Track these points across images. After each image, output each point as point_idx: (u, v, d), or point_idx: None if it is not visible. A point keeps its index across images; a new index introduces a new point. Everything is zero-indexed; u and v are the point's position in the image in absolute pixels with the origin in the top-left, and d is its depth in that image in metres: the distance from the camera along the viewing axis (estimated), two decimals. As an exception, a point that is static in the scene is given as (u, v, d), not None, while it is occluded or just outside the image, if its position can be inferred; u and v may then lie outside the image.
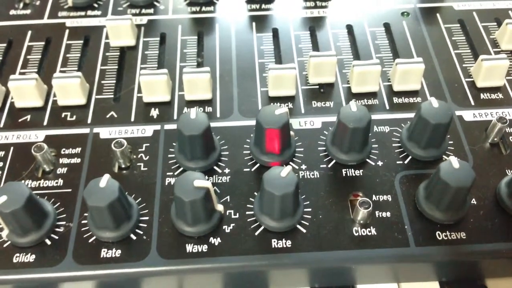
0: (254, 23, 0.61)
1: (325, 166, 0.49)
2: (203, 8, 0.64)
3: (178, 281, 0.45)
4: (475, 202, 0.46)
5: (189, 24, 0.62)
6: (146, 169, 0.49)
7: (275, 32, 0.60)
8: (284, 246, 0.44)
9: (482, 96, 0.54)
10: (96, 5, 0.64)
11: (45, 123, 0.52)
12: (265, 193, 0.43)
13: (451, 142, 0.50)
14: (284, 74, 0.53)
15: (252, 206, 0.46)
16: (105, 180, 0.42)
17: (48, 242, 0.44)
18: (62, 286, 0.44)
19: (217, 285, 0.46)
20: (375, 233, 0.45)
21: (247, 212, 0.46)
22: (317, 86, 0.55)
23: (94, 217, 0.44)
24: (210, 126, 0.46)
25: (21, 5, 0.65)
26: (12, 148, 0.50)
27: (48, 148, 0.48)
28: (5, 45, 0.59)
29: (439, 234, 0.44)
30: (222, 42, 0.59)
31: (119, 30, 0.58)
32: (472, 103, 0.53)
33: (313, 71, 0.55)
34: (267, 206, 0.44)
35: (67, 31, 0.61)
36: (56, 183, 0.48)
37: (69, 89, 0.53)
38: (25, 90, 0.53)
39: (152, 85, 0.53)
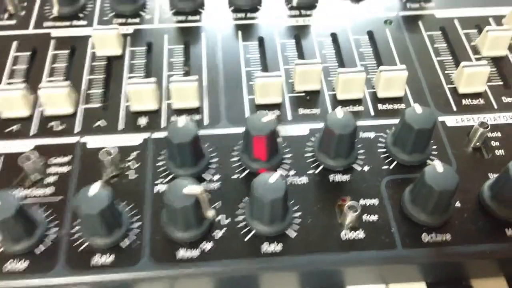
0: (240, 32, 0.62)
1: (312, 171, 0.50)
2: (189, 17, 0.64)
3: (170, 286, 0.45)
4: (459, 205, 0.47)
5: (176, 33, 0.62)
6: (136, 176, 0.49)
7: (261, 41, 0.61)
8: (275, 250, 0.45)
9: (464, 102, 0.55)
10: (81, 15, 0.64)
11: (32, 133, 0.52)
12: (254, 199, 0.43)
13: (435, 147, 0.51)
14: (270, 82, 0.54)
15: (242, 212, 0.46)
16: (96, 187, 0.43)
17: (40, 249, 0.44)
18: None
19: (208, 291, 0.46)
20: (363, 236, 0.46)
21: (237, 218, 0.46)
22: (303, 94, 0.56)
23: (85, 224, 0.44)
24: (198, 134, 0.47)
25: (6, 15, 0.64)
26: (1, 158, 0.50)
27: (36, 157, 0.48)
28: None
29: (425, 236, 0.45)
30: (208, 51, 0.60)
31: (106, 40, 0.58)
32: (454, 109, 0.55)
33: (299, 78, 0.55)
34: (257, 211, 0.44)
35: (52, 41, 0.61)
36: (46, 191, 0.48)
37: (57, 98, 0.53)
38: (12, 100, 0.53)
39: (140, 94, 0.53)
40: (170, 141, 0.46)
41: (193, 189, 0.43)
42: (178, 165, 0.48)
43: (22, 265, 0.44)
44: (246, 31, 0.63)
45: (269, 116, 0.47)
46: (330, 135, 0.48)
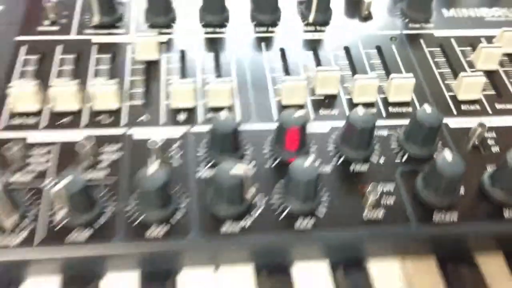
0: (263, 43, 0.70)
1: (335, 162, 0.57)
2: (216, 29, 0.72)
3: (213, 257, 0.51)
4: (462, 192, 0.55)
5: (205, 43, 0.69)
6: (179, 163, 0.55)
7: (282, 51, 0.69)
8: (306, 226, 0.51)
9: (462, 107, 0.64)
10: (118, 25, 0.71)
11: (83, 124, 0.58)
12: (291, 180, 0.50)
13: (440, 144, 0.59)
14: (296, 85, 0.61)
15: (277, 193, 0.53)
16: (154, 167, 0.49)
17: (99, 222, 0.50)
18: (112, 261, 0.50)
19: (247, 260, 0.52)
20: (382, 216, 0.53)
21: (272, 199, 0.53)
22: (323, 97, 0.64)
23: (143, 199, 0.50)
24: (238, 126, 0.54)
25: (48, 22, 0.71)
26: (56, 146, 0.56)
27: (91, 144, 0.54)
28: (37, 56, 0.65)
29: (435, 216, 0.53)
30: (237, 59, 0.67)
31: (146, 46, 0.65)
32: (455, 112, 0.63)
33: (320, 83, 0.63)
34: (292, 191, 0.51)
35: (94, 47, 0.68)
36: (101, 174, 0.54)
37: (105, 95, 0.59)
38: (64, 95, 0.59)
39: (180, 93, 0.60)
40: (215, 130, 0.53)
41: (239, 169, 0.49)
42: (219, 153, 0.55)
43: (84, 235, 0.49)
44: (268, 42, 0.70)
45: (301, 112, 0.54)
46: (352, 130, 0.55)
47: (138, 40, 0.66)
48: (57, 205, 0.49)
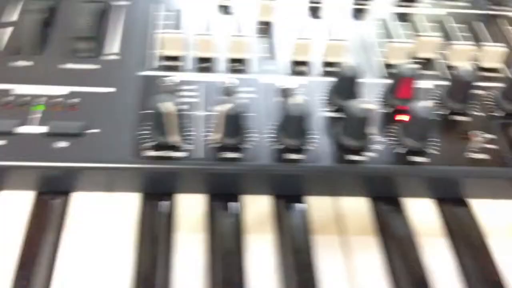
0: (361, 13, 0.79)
1: (443, 113, 0.65)
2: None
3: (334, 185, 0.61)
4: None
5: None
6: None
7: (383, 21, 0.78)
8: (422, 161, 0.60)
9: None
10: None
11: (222, 70, 0.68)
12: (417, 120, 0.58)
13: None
14: (399, 46, 0.70)
15: (395, 133, 0.62)
16: (298, 99, 0.58)
17: (247, 146, 0.59)
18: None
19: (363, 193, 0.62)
20: (486, 158, 0.61)
21: (389, 139, 0.62)
22: (423, 60, 0.72)
23: (283, 128, 0.59)
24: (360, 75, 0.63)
25: None
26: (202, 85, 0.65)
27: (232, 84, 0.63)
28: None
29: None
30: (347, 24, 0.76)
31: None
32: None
33: (420, 48, 0.72)
34: (412, 131, 0.60)
35: None
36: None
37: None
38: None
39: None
40: (343, 75, 0.62)
41: (368, 105, 0.58)
42: (343, 98, 0.64)
43: (236, 155, 0.58)
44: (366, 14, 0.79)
45: (414, 65, 0.63)
46: (461, 85, 0.63)
47: None
48: (215, 129, 0.58)
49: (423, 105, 0.59)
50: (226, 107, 0.56)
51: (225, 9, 0.77)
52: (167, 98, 0.55)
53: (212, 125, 0.59)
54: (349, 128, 0.59)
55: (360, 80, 0.63)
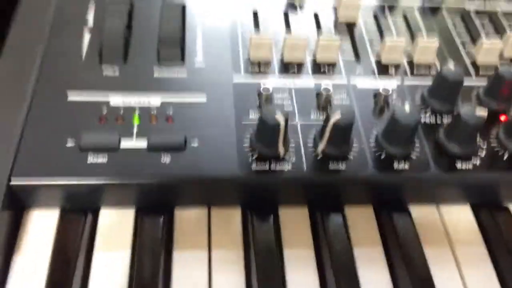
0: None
1: None
2: None
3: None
4: None
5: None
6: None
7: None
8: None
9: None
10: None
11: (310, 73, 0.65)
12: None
13: None
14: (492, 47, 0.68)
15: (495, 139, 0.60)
16: (408, 107, 0.56)
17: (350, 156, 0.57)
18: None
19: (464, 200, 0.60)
20: None
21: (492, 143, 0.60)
22: (512, 59, 0.70)
23: (390, 136, 0.57)
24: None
25: None
26: (293, 91, 0.63)
27: (328, 92, 0.61)
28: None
29: None
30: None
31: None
32: None
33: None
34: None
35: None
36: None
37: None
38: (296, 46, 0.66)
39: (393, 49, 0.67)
40: (444, 79, 0.60)
41: (483, 112, 0.56)
42: (440, 102, 0.61)
43: (341, 166, 0.56)
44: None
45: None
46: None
47: None
48: (319, 139, 0.56)
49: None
50: (335, 117, 0.54)
51: (300, 8, 0.74)
52: (274, 109, 0.53)
53: (310, 135, 0.57)
54: (459, 135, 0.57)
55: (461, 83, 0.61)
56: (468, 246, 0.58)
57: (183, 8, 0.71)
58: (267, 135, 0.54)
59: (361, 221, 0.58)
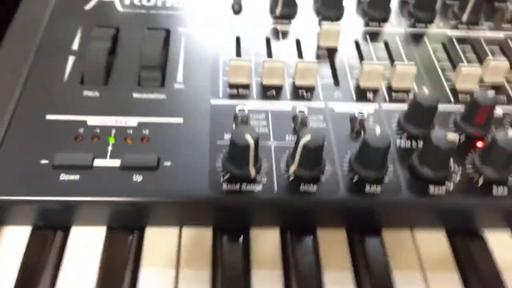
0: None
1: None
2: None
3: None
4: None
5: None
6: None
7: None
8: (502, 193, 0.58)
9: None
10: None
11: (289, 97, 0.66)
12: (495, 149, 0.56)
13: None
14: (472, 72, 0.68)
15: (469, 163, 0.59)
16: (378, 130, 0.56)
17: (322, 178, 0.57)
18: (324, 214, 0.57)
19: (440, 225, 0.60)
20: None
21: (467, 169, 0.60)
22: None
23: (361, 160, 0.57)
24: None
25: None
26: (269, 113, 0.64)
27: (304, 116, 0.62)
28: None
29: None
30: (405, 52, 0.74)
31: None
32: None
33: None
34: (491, 161, 0.57)
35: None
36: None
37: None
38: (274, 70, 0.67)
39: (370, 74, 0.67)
40: (418, 104, 0.60)
41: (453, 136, 0.56)
42: (415, 126, 0.62)
43: (312, 188, 0.57)
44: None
45: (493, 93, 0.61)
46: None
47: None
48: (290, 160, 0.57)
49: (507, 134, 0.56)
50: (305, 138, 0.54)
51: (282, 35, 0.75)
52: (246, 129, 0.54)
53: (283, 156, 0.58)
54: (431, 160, 0.57)
55: (435, 108, 0.61)
56: (440, 272, 0.57)
57: (168, 32, 0.73)
58: (238, 155, 0.55)
59: (332, 244, 0.58)
